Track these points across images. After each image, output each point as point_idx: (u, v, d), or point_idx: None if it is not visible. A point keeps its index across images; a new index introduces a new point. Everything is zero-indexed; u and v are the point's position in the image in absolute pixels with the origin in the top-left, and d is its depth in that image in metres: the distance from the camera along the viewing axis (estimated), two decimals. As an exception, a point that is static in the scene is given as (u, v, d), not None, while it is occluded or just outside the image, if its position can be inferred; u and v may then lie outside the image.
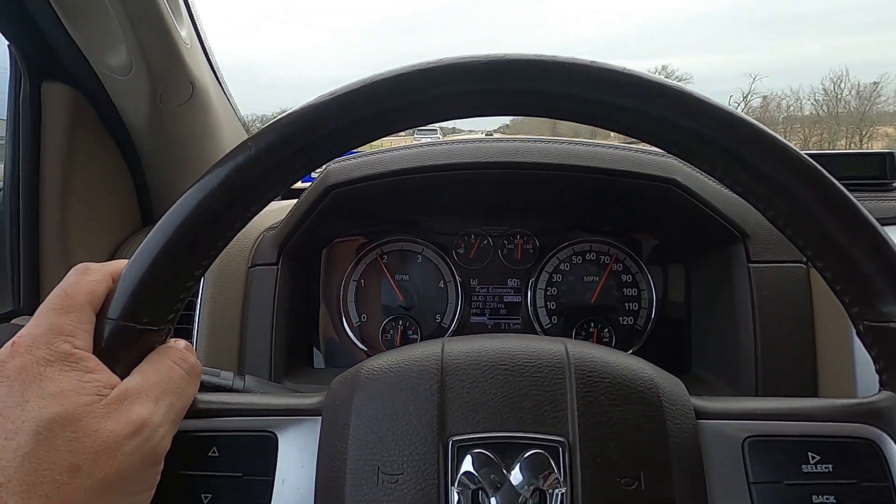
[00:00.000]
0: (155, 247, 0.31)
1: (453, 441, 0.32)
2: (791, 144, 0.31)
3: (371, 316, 0.79)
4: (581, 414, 0.32)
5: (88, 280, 0.32)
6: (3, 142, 0.77)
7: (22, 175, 0.75)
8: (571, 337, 0.75)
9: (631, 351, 0.77)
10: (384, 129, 0.32)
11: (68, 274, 0.32)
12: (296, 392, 0.58)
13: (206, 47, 0.88)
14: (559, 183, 0.69)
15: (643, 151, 0.69)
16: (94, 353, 0.30)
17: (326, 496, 0.33)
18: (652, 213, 0.74)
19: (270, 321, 0.69)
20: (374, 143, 0.38)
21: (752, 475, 0.33)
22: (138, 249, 0.31)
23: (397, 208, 0.79)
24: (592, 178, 0.66)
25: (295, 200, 0.72)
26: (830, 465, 0.32)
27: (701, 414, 0.34)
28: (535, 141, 0.69)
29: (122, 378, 0.30)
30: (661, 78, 0.32)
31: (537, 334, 0.73)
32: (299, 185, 0.67)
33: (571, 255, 0.79)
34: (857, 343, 0.60)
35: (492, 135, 1.04)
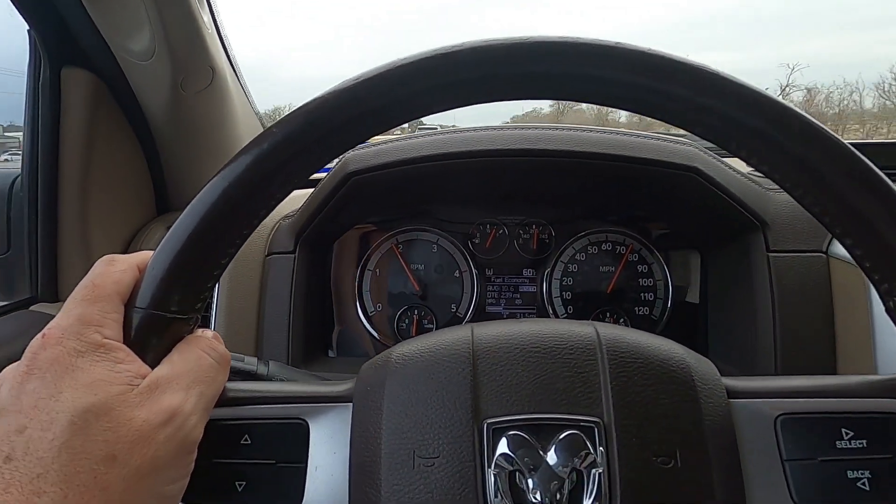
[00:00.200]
0: (183, 234, 0.30)
1: (488, 423, 0.32)
2: (817, 121, 0.30)
3: (386, 305, 0.79)
4: (615, 394, 0.32)
5: (115, 270, 0.32)
6: (21, 129, 0.77)
7: (41, 162, 0.75)
8: None
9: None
10: (420, 111, 0.31)
11: (94, 266, 0.32)
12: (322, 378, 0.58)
13: (223, 34, 0.88)
14: (579, 171, 0.69)
15: (660, 139, 0.68)
16: (123, 343, 0.30)
17: (362, 480, 0.33)
18: (671, 201, 0.73)
19: (288, 309, 0.69)
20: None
21: (785, 453, 0.33)
22: (166, 237, 0.31)
23: (414, 197, 0.78)
24: (613, 165, 0.66)
25: (311, 190, 0.72)
26: (864, 441, 0.32)
27: (732, 393, 0.34)
28: (552, 128, 0.69)
29: (152, 367, 0.30)
30: (672, 54, 0.30)
31: None
32: (315, 174, 0.67)
33: (587, 245, 0.79)
34: (878, 334, 0.60)
35: None
